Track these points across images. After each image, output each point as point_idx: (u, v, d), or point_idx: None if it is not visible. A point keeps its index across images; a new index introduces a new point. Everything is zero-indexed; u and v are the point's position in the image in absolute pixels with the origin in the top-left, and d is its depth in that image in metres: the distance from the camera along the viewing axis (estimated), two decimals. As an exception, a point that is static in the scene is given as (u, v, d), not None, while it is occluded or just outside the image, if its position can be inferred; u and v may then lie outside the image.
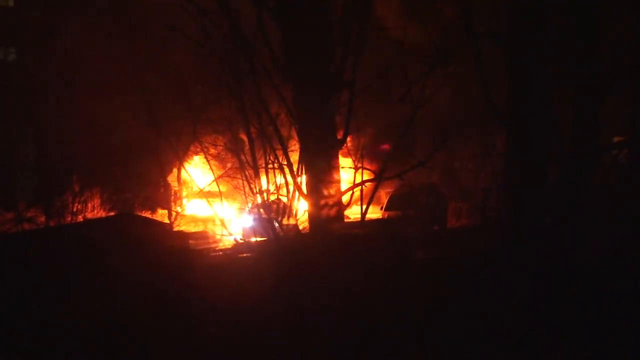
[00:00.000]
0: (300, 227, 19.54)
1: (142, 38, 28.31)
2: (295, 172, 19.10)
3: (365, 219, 18.58)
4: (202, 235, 25.31)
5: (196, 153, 29.71)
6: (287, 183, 19.42)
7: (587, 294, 11.84)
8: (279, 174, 19.34)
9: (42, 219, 25.27)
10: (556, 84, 15.10)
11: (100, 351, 11.03)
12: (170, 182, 31.24)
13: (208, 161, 25.95)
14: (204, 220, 29.43)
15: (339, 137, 18.70)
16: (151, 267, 15.86)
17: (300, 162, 19.21)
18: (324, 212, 17.87)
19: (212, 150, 27.96)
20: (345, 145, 18.87)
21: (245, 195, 20.92)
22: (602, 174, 18.14)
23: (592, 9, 14.34)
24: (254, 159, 19.77)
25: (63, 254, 16.09)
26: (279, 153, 19.02)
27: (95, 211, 28.10)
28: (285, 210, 19.59)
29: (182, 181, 30.97)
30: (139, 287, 14.15)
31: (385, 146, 19.60)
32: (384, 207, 27.72)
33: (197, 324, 12.04)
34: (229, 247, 22.16)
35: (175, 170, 31.14)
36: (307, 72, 17.95)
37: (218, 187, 24.21)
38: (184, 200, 31.21)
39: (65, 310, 13.01)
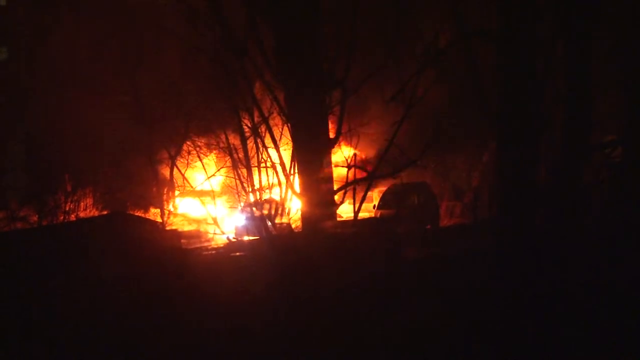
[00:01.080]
0: (293, 226, 19.56)
1: (134, 38, 28.29)
2: (287, 171, 19.13)
3: (358, 218, 18.60)
4: (194, 234, 25.32)
5: (188, 152, 29.67)
6: (279, 182, 19.43)
7: (579, 293, 11.88)
8: (272, 173, 19.36)
9: (35, 218, 25.25)
10: (548, 82, 15.12)
11: (96, 349, 11.06)
12: (162, 181, 31.23)
13: (200, 160, 25.95)
14: (197, 219, 29.43)
15: (332, 136, 18.71)
16: (144, 265, 15.87)
17: (292, 160, 19.23)
18: (317, 211, 17.86)
19: (204, 149, 27.98)
20: (337, 144, 18.89)
21: (238, 194, 20.94)
22: (594, 173, 18.20)
23: (584, 6, 14.39)
24: (247, 158, 19.80)
25: (57, 253, 16.09)
26: (272, 151, 19.04)
27: (88, 210, 28.06)
28: (278, 209, 19.61)
29: (174, 180, 30.97)
30: (132, 285, 14.18)
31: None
32: (376, 206, 27.78)
33: (191, 321, 12.07)
34: (222, 246, 22.16)
35: (167, 169, 31.14)
36: (299, 71, 17.95)
37: (210, 186, 24.22)
38: (177, 199, 31.20)
39: (61, 309, 13.03)
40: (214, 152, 28.19)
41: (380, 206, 27.35)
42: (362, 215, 20.63)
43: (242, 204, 21.31)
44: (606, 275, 12.66)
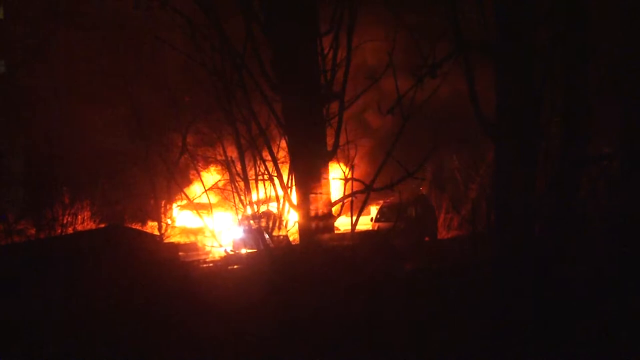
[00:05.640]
0: (291, 239, 19.52)
1: (132, 51, 28.36)
2: (285, 184, 19.12)
3: (355, 231, 18.57)
4: (192, 247, 25.22)
5: (186, 165, 29.70)
6: (277, 194, 19.41)
7: (576, 305, 11.85)
8: (269, 186, 19.34)
9: (32, 231, 25.20)
10: (545, 94, 15.12)
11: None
12: (159, 193, 31.17)
13: (198, 173, 25.95)
14: (194, 232, 29.35)
15: (329, 148, 18.71)
16: (141, 279, 15.82)
17: (290, 173, 19.22)
18: (314, 223, 17.84)
19: (202, 162, 28.02)
20: (335, 156, 18.88)
21: (235, 206, 20.93)
22: (591, 185, 18.16)
23: (582, 19, 14.40)
24: (244, 171, 19.80)
25: (55, 266, 16.07)
26: (269, 164, 19.03)
27: (85, 223, 28.03)
28: (275, 221, 19.58)
29: (172, 193, 30.93)
30: (130, 298, 14.14)
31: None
32: (374, 218, 27.76)
33: (189, 334, 12.03)
34: (219, 258, 22.11)
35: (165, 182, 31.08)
36: (296, 83, 17.98)
37: (208, 199, 24.21)
38: (174, 212, 31.15)
39: (58, 322, 13.01)
40: (212, 164, 28.23)
41: (378, 219, 27.34)
42: (360, 227, 20.61)
43: (240, 216, 21.30)
44: (607, 286, 12.63)
